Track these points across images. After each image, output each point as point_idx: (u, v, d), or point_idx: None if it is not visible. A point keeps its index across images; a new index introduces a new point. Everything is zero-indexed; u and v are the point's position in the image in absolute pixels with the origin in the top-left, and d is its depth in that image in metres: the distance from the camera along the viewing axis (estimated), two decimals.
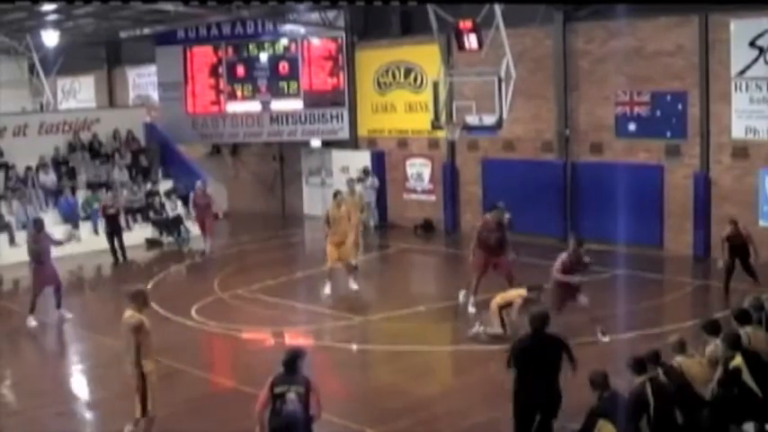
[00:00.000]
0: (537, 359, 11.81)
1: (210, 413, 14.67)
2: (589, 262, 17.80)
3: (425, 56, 29.37)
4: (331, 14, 32.41)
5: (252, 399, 14.92)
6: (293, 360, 11.02)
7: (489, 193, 29.01)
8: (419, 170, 31.54)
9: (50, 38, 33.84)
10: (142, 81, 40.85)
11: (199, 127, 35.33)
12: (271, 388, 10.91)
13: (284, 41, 33.76)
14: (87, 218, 29.21)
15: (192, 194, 29.09)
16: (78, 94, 44.92)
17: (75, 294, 25.57)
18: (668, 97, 24.87)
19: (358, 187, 27.91)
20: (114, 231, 28.07)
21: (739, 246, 20.29)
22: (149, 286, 23.68)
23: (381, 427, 13.63)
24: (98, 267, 27.55)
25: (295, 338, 19.08)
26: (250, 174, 37.44)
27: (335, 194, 22.81)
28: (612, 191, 24.84)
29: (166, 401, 14.98)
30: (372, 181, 31.34)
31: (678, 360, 11.42)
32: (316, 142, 34.10)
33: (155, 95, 37.95)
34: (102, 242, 28.46)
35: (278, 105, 33.86)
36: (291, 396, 10.73)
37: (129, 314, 13.07)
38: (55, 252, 27.57)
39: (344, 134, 33.21)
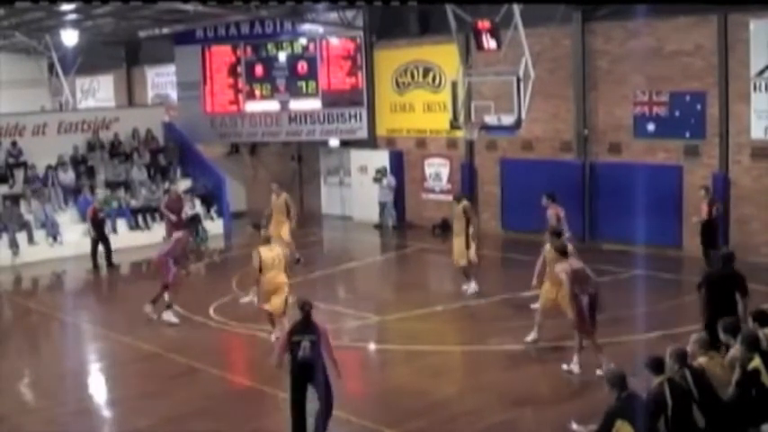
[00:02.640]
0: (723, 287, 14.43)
1: (227, 412, 14.70)
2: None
3: (444, 56, 29.36)
4: (349, 14, 32.42)
5: (269, 398, 15.09)
6: (307, 312, 12.68)
7: (508, 194, 29.05)
8: (437, 170, 31.52)
9: (70, 37, 33.97)
10: (161, 80, 40.98)
11: (217, 126, 35.41)
12: (289, 336, 12.69)
13: (303, 41, 33.79)
14: (107, 216, 29.23)
15: (165, 198, 29.22)
16: (97, 93, 45.13)
17: (92, 294, 25.74)
18: (687, 97, 24.77)
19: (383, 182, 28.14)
20: (101, 237, 27.50)
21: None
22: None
23: (399, 426, 13.62)
24: (117, 266, 27.54)
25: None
26: (268, 173, 37.45)
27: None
28: (631, 191, 24.75)
29: (184, 400, 15.10)
30: (389, 181, 31.34)
31: (701, 360, 11.37)
32: (334, 142, 34.12)
33: (173, 95, 38.07)
34: (119, 241, 28.55)
35: (296, 105, 33.89)
36: (306, 344, 12.46)
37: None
38: (73, 250, 27.92)
39: (363, 134, 33.22)
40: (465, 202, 21.96)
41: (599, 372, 14.95)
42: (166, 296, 20.24)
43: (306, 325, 12.65)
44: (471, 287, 21.71)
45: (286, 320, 17.30)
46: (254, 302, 19.29)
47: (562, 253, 16.06)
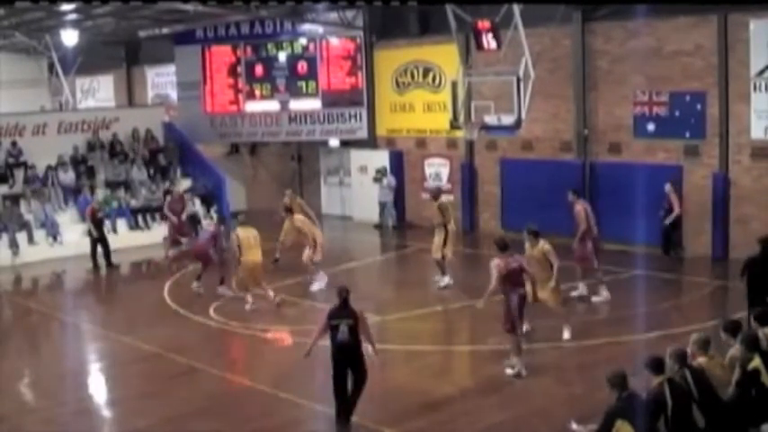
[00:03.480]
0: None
1: (227, 412, 14.70)
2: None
3: (444, 56, 29.36)
4: (349, 14, 32.42)
5: (269, 397, 15.10)
6: (344, 298, 13.72)
7: (508, 194, 29.04)
8: (437, 170, 31.52)
9: (69, 37, 33.98)
10: (161, 80, 40.98)
11: (217, 126, 35.42)
12: (328, 320, 13.60)
13: (303, 41, 33.80)
14: (106, 216, 29.21)
15: (168, 199, 29.15)
16: (97, 93, 45.14)
17: (92, 293, 25.75)
18: (687, 97, 24.77)
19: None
20: (100, 237, 27.44)
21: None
22: (167, 285, 23.83)
23: (399, 426, 13.63)
24: (117, 266, 27.52)
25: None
26: (268, 173, 37.51)
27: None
28: (631, 191, 24.77)
29: (184, 400, 15.10)
30: (389, 181, 31.34)
31: (701, 361, 11.37)
32: (334, 142, 34.14)
33: (173, 95, 38.08)
34: (119, 241, 28.56)
35: (296, 105, 33.91)
36: (343, 328, 13.42)
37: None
38: (73, 250, 27.94)
39: (363, 134, 33.23)
40: (441, 200, 23.32)
41: (509, 371, 15.61)
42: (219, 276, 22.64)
43: (343, 309, 13.65)
44: (444, 280, 22.44)
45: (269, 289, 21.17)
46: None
47: (501, 248, 15.87)
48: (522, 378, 15.47)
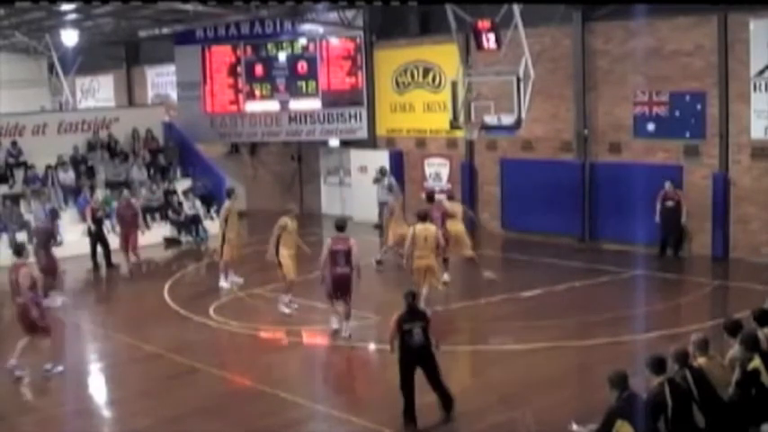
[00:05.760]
0: None
1: (227, 412, 14.69)
2: None
3: (444, 55, 29.35)
4: (349, 14, 32.42)
5: (269, 397, 15.09)
6: (411, 302, 14.00)
7: (508, 194, 29.03)
8: (437, 170, 31.51)
9: (69, 37, 33.98)
10: (161, 80, 40.98)
11: (217, 126, 35.42)
12: (399, 325, 13.74)
13: (303, 41, 33.80)
14: (106, 216, 29.15)
15: (116, 205, 28.33)
16: (97, 93, 45.15)
17: (92, 293, 25.73)
18: (687, 97, 24.77)
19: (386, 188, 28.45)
20: (100, 237, 27.28)
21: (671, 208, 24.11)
22: (168, 285, 23.82)
23: (399, 426, 13.60)
24: (116, 266, 27.49)
25: (312, 338, 19.13)
26: (268, 173, 37.50)
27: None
28: (631, 191, 24.78)
29: (184, 400, 15.08)
30: (389, 181, 31.28)
31: (701, 361, 11.37)
32: (334, 142, 34.14)
33: (173, 95, 38.06)
34: (117, 240, 28.54)
35: (296, 105, 33.90)
36: (417, 330, 13.66)
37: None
38: (73, 250, 27.90)
39: (363, 134, 33.23)
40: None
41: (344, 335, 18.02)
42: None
43: (413, 313, 13.90)
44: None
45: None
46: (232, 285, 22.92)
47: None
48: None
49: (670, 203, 24.27)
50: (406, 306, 13.91)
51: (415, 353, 13.65)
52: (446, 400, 13.88)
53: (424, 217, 19.72)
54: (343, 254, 18.23)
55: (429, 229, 19.59)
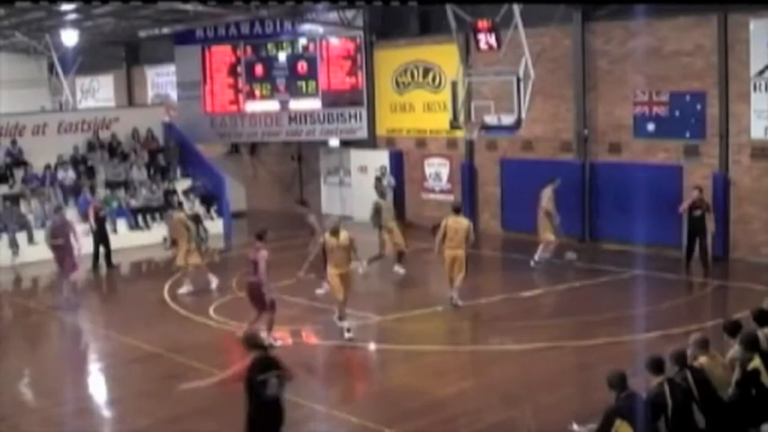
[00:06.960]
0: None
1: (227, 412, 14.66)
2: None
3: (444, 55, 29.36)
4: (349, 14, 32.44)
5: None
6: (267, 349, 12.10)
7: (508, 194, 29.05)
8: (437, 170, 31.53)
9: (69, 37, 34.01)
10: (161, 80, 41.02)
11: (217, 126, 35.43)
12: (249, 375, 11.37)
13: (303, 41, 33.83)
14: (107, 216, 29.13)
15: (49, 224, 24.55)
16: (97, 93, 45.19)
17: (93, 293, 25.71)
18: (687, 97, 24.77)
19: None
20: (102, 237, 27.27)
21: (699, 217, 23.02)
22: (167, 285, 23.80)
23: (399, 426, 13.60)
24: (117, 266, 27.50)
25: (311, 338, 19.12)
26: (268, 173, 37.53)
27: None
28: (631, 191, 24.80)
29: (182, 400, 15.02)
30: (389, 180, 31.30)
31: (702, 360, 11.36)
32: (334, 142, 34.15)
33: (173, 95, 38.09)
34: (119, 241, 28.52)
35: (296, 105, 33.92)
36: (273, 381, 11.41)
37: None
38: (75, 249, 27.86)
39: (363, 134, 33.24)
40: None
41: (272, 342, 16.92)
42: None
43: (267, 361, 11.64)
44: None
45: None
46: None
47: (259, 237, 17.85)
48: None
49: (698, 212, 23.21)
50: (257, 353, 11.57)
51: (271, 407, 11.60)
52: None
53: (458, 210, 20.91)
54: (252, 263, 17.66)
55: (461, 222, 20.42)
